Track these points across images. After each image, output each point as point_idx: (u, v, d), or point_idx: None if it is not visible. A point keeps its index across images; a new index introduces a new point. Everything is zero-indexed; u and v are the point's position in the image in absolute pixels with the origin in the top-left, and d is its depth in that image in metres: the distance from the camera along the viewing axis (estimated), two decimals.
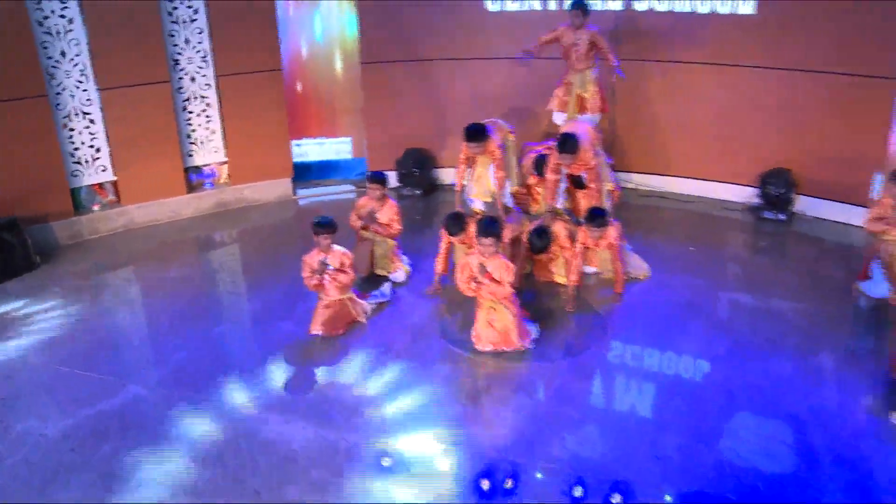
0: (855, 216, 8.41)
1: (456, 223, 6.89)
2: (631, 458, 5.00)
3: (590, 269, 7.44)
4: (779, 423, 5.33)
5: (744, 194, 9.12)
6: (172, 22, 8.64)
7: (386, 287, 7.19)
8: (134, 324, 7.01)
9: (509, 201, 7.92)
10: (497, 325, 6.18)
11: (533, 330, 6.39)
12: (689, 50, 8.93)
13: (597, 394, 5.82)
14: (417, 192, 9.77)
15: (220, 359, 6.21)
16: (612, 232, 7.03)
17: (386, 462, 4.87)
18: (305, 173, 10.12)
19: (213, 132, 9.21)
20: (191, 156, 9.18)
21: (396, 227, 7.38)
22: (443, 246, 7.14)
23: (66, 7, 8.03)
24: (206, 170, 9.35)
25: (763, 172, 8.86)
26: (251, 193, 9.48)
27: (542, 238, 7.01)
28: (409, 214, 9.30)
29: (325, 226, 6.45)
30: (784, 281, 7.51)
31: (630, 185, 9.60)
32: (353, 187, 9.95)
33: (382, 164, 9.70)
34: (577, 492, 4.60)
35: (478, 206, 7.86)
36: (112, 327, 6.86)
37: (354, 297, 6.69)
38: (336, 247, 6.52)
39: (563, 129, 7.52)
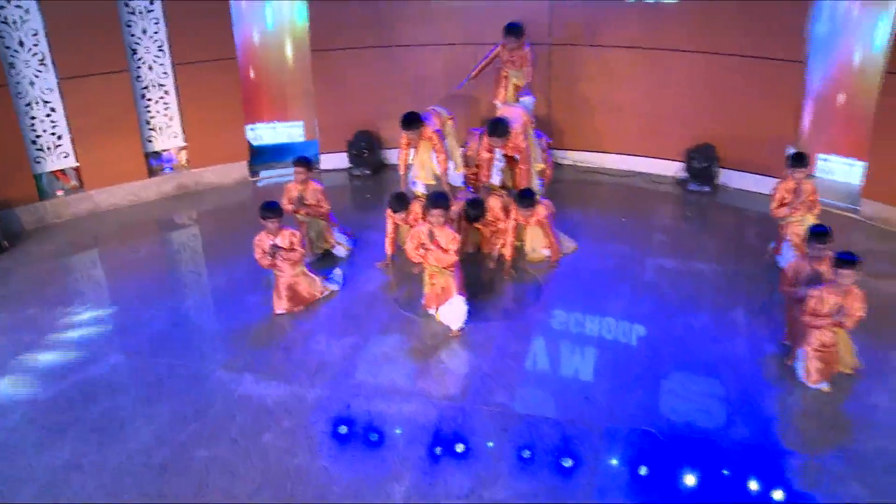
0: (769, 186, 9.15)
1: (399, 202, 7.41)
2: (564, 401, 5.70)
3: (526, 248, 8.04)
4: (695, 369, 6.08)
5: (671, 168, 9.88)
6: (129, 13, 9.02)
7: (338, 274, 7.57)
8: (108, 298, 7.46)
9: (455, 180, 8.28)
10: (438, 282, 6.72)
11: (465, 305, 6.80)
12: (618, 35, 9.61)
13: (533, 350, 6.48)
14: (367, 171, 10.30)
15: (194, 328, 6.77)
16: (542, 210, 7.66)
17: (343, 430, 5.46)
18: (261, 156, 10.58)
19: (172, 118, 9.62)
20: (150, 141, 9.59)
21: (325, 206, 7.82)
22: (389, 225, 7.68)
23: None
24: (166, 155, 9.77)
25: (688, 148, 9.60)
26: (210, 176, 9.92)
27: (475, 208, 7.54)
28: (360, 193, 9.92)
29: (271, 210, 6.83)
30: (705, 246, 8.29)
31: (567, 162, 10.32)
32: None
33: (334, 145, 10.27)
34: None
35: (419, 188, 8.15)
36: (87, 302, 7.31)
37: (307, 271, 7.13)
38: (284, 228, 6.92)
39: (497, 114, 8.15)
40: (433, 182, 8.11)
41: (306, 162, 7.75)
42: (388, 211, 7.54)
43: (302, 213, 7.77)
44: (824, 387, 5.82)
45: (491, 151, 7.94)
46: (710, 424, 5.44)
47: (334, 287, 7.38)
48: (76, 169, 9.18)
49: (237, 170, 10.07)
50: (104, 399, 5.75)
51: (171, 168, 9.81)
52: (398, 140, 7.99)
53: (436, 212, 6.54)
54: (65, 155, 9.05)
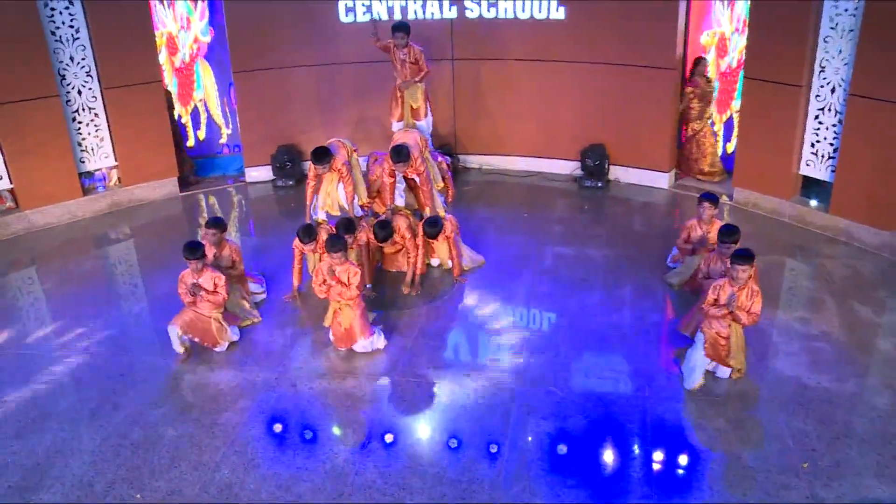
0: (655, 180, 10.52)
1: (307, 233, 7.65)
2: (479, 370, 6.70)
3: (434, 262, 8.53)
4: (587, 337, 7.14)
5: (568, 167, 10.99)
6: (56, 41, 9.57)
7: (232, 332, 7.13)
8: (59, 309, 8.00)
9: (359, 212, 8.49)
10: (343, 322, 6.85)
11: (377, 332, 7.04)
12: (514, 49, 10.70)
13: (448, 330, 7.43)
14: (290, 182, 11.05)
15: (146, 330, 7.45)
16: (448, 227, 8.16)
17: (277, 428, 6.13)
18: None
19: (102, 139, 10.18)
20: (83, 161, 10.13)
21: (240, 266, 7.59)
22: (296, 256, 7.91)
23: None
24: (98, 174, 10.31)
25: (582, 148, 10.73)
26: (141, 193, 10.52)
27: (383, 229, 7.79)
28: (284, 202, 10.67)
29: (192, 251, 6.74)
30: (597, 234, 9.40)
31: (474, 166, 11.37)
32: (231, 182, 11.21)
33: (258, 159, 11.01)
34: None
35: (321, 216, 8.34)
36: (39, 313, 7.89)
37: (221, 319, 6.96)
38: (209, 268, 6.90)
39: (395, 140, 8.48)
40: (337, 212, 8.34)
41: (218, 223, 7.43)
42: (296, 241, 7.77)
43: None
44: (698, 382, 6.31)
45: (393, 176, 8.31)
46: (604, 384, 6.46)
47: (234, 339, 7.16)
48: (10, 190, 9.65)
49: (167, 185, 10.68)
50: (72, 393, 6.41)
51: (104, 186, 10.36)
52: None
53: (335, 255, 6.71)
54: None
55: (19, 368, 6.80)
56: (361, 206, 8.50)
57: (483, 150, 11.34)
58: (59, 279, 8.68)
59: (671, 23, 9.90)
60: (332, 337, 7.04)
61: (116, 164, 10.36)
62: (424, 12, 10.63)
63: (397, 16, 10.59)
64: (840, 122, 8.79)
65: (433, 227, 8.02)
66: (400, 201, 8.55)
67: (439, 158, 9.09)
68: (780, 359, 6.73)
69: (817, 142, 9.12)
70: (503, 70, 10.85)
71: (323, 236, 7.72)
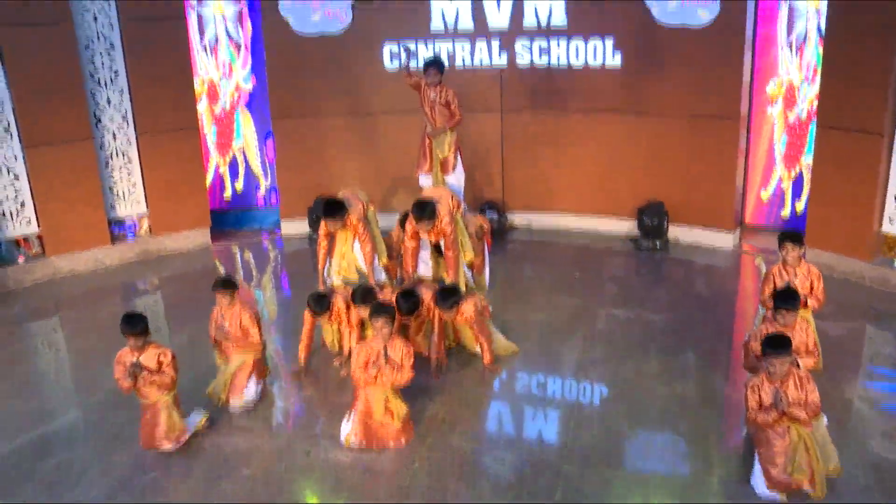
0: (719, 240, 9.67)
1: (320, 303, 6.73)
2: (522, 442, 5.88)
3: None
4: (644, 410, 6.27)
5: (624, 227, 10.21)
6: (95, 83, 9.30)
7: (195, 418, 6.09)
8: (67, 359, 7.52)
9: (381, 275, 7.56)
10: (390, 415, 5.77)
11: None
12: (567, 99, 10.07)
13: (490, 396, 6.67)
14: None
15: None
16: (468, 308, 6.69)
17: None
18: (223, 221, 10.80)
19: (135, 185, 9.82)
20: (113, 208, 9.75)
21: (255, 337, 6.41)
22: (307, 326, 6.91)
23: None
24: (129, 221, 9.92)
25: (639, 206, 9.96)
26: (172, 243, 10.07)
27: (407, 299, 6.68)
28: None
29: (130, 324, 5.68)
30: (656, 297, 8.56)
31: (522, 223, 10.67)
32: (266, 234, 10.73)
33: (295, 212, 10.49)
34: None
35: (337, 281, 7.34)
36: (47, 363, 7.37)
37: (172, 404, 5.83)
38: (153, 344, 5.81)
39: (422, 195, 7.37)
40: (354, 276, 7.35)
41: (227, 284, 6.45)
42: (307, 313, 6.80)
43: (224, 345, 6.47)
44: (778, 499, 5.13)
45: (416, 238, 7.20)
46: (664, 465, 5.59)
47: (193, 428, 6.04)
48: (39, 236, 9.29)
49: (199, 236, 10.23)
50: (60, 452, 5.79)
51: (134, 235, 9.96)
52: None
53: (378, 323, 5.72)
54: (27, 221, 9.16)
55: (10, 421, 6.24)
56: (385, 268, 7.58)
57: (533, 207, 10.63)
58: (77, 328, 8.23)
59: (736, 71, 9.22)
60: (356, 437, 5.77)
61: (147, 211, 9.96)
62: (473, 60, 10.12)
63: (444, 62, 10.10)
64: None
65: (446, 297, 6.62)
66: (424, 270, 7.47)
67: (474, 216, 7.94)
68: (875, 441, 5.75)
69: None
70: (555, 122, 10.21)
71: (339, 304, 6.82)
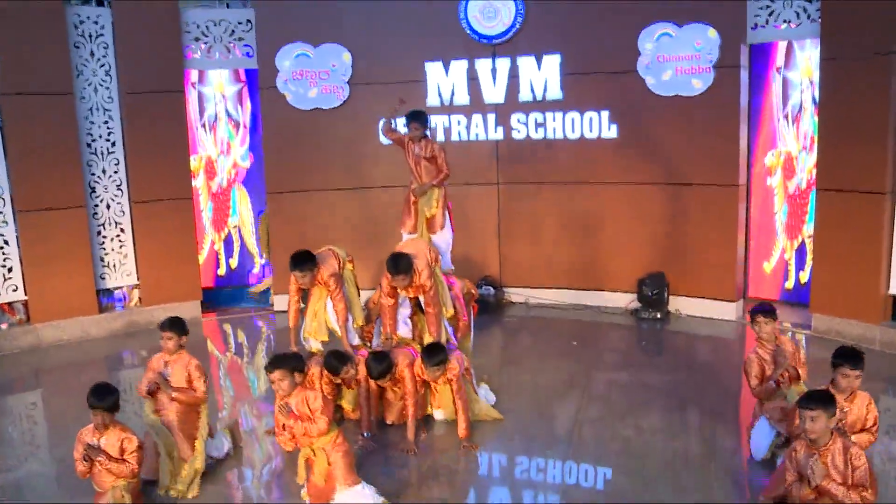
0: (721, 310, 9.38)
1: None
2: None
3: (437, 414, 6.77)
4: (646, 465, 5.85)
5: (624, 300, 9.95)
6: (91, 153, 9.36)
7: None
8: (46, 433, 7.18)
9: (354, 338, 6.88)
10: (318, 470, 5.18)
11: (365, 487, 5.27)
12: (564, 172, 10.01)
13: (485, 449, 6.25)
14: None
15: None
16: (454, 369, 6.26)
17: None
18: (216, 298, 10.62)
19: (126, 256, 9.70)
20: (103, 278, 9.60)
21: (199, 390, 5.75)
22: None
23: None
24: (118, 293, 9.75)
25: (639, 277, 9.73)
26: (161, 314, 9.68)
27: (379, 362, 6.17)
28: None
29: (99, 397, 5.03)
30: (656, 363, 8.23)
31: (520, 299, 10.41)
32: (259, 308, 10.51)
33: (288, 286, 10.25)
34: None
35: (314, 345, 6.87)
36: (24, 437, 7.03)
37: (127, 493, 5.08)
38: (119, 426, 5.13)
39: (397, 249, 6.85)
40: (325, 337, 6.85)
41: (176, 325, 5.84)
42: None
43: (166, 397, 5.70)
44: None
45: (393, 296, 6.67)
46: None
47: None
48: (24, 303, 9.10)
49: (190, 308, 9.97)
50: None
51: (123, 306, 9.76)
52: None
53: (275, 375, 5.06)
54: (13, 288, 8.99)
55: None
56: (359, 331, 6.92)
57: (531, 282, 10.40)
58: (58, 400, 7.82)
59: (732, 139, 9.19)
60: (306, 499, 5.28)
61: (138, 283, 9.80)
62: (469, 134, 10.16)
63: (440, 137, 10.16)
64: None
65: (432, 355, 6.18)
66: (404, 331, 6.88)
67: (452, 283, 7.22)
68: None
69: None
70: (553, 194, 10.13)
71: (314, 371, 6.29)
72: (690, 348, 8.78)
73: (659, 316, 9.54)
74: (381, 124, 7.81)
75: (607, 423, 6.60)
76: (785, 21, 8.83)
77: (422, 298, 6.69)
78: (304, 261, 6.52)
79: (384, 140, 8.94)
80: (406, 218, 7.54)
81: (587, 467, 5.92)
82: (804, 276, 9.41)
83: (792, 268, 9.61)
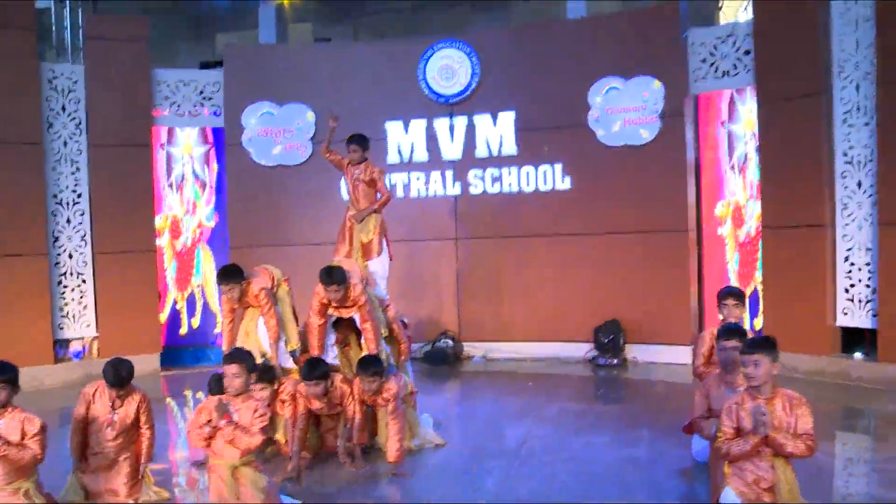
0: (677, 355, 9.43)
1: (220, 384, 5.21)
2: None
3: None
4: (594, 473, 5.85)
5: (582, 350, 10.00)
6: (57, 203, 9.58)
7: None
8: None
9: (287, 360, 6.54)
10: (228, 490, 4.71)
11: None
12: (520, 225, 10.29)
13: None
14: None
15: None
16: (393, 387, 5.94)
17: None
18: (178, 357, 10.60)
19: (86, 307, 9.74)
20: (62, 328, 9.61)
21: (145, 430, 5.28)
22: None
23: None
24: (76, 345, 9.73)
25: (596, 326, 9.84)
26: None
27: (315, 367, 5.84)
28: None
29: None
30: (610, 398, 8.25)
31: (478, 353, 10.44)
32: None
33: None
34: None
35: None
36: None
37: (35, 491, 4.71)
38: (18, 408, 4.71)
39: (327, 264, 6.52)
40: (258, 359, 6.17)
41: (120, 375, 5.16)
42: (209, 398, 5.32)
43: None
44: None
45: (323, 315, 6.38)
46: None
47: None
48: None
49: (149, 361, 9.93)
50: None
51: (80, 357, 9.72)
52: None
53: (231, 369, 4.77)
54: None
55: None
56: (292, 354, 6.50)
57: (489, 336, 10.46)
58: None
59: (680, 187, 9.58)
60: None
61: (97, 335, 9.80)
62: (428, 189, 10.50)
63: (400, 194, 10.44)
64: (873, 259, 7.99)
65: (367, 366, 5.85)
66: (331, 357, 6.49)
67: (396, 312, 7.06)
68: None
69: (852, 286, 8.20)
70: (509, 247, 10.37)
71: (213, 400, 5.37)
72: (645, 390, 8.77)
73: (616, 362, 9.59)
74: (321, 145, 7.74)
75: (556, 439, 6.58)
76: (724, 72, 9.37)
77: (356, 316, 6.41)
78: (231, 274, 6.29)
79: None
80: (340, 245, 7.27)
81: (534, 471, 5.87)
82: (758, 323, 9.52)
83: (746, 315, 9.73)
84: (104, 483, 5.20)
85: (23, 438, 4.58)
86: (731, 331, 5.05)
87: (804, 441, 4.11)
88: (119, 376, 5.04)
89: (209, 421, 4.64)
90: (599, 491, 5.31)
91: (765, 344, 4.26)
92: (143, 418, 5.24)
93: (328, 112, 7.67)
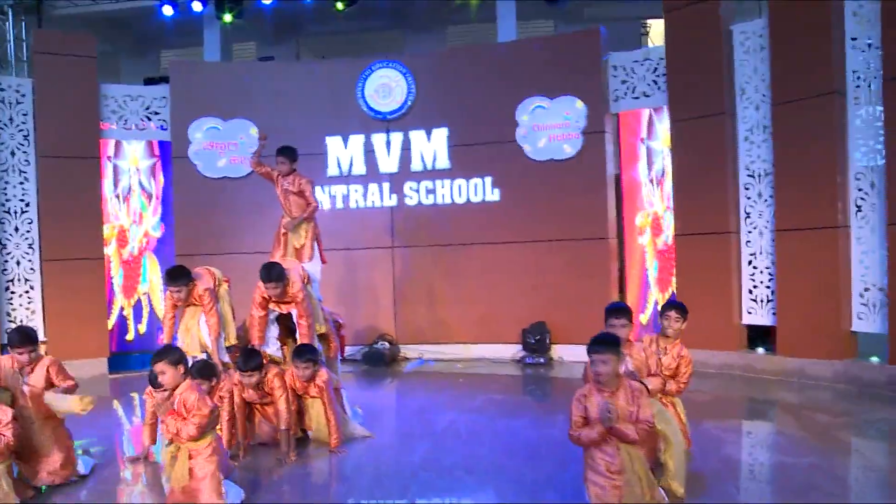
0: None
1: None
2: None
3: (311, 434, 6.66)
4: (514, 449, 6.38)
5: (511, 351, 10.62)
6: (5, 212, 9.90)
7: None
8: None
9: (225, 355, 6.83)
10: (178, 474, 4.99)
11: (232, 492, 5.19)
12: (453, 234, 10.91)
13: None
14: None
15: None
16: (323, 375, 6.36)
17: None
18: (125, 363, 10.88)
19: (34, 312, 10.05)
20: (8, 333, 9.84)
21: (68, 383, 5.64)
22: (149, 409, 6.12)
23: None
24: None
25: (523, 328, 10.47)
26: (69, 371, 10.04)
27: (252, 357, 6.20)
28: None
29: None
30: (536, 392, 8.83)
31: (413, 355, 10.99)
32: None
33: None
34: None
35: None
36: None
37: (5, 473, 5.09)
38: None
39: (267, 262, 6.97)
40: (199, 354, 6.71)
41: (27, 337, 5.59)
42: (148, 390, 5.87)
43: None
44: None
45: (263, 308, 6.79)
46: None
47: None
48: None
49: (97, 366, 10.26)
50: None
51: None
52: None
53: (158, 367, 5.02)
54: None
55: None
56: (229, 349, 6.85)
57: (425, 339, 11.03)
58: None
59: (601, 197, 10.31)
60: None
61: (45, 340, 10.06)
62: (366, 201, 11.05)
63: (339, 205, 11.00)
64: (773, 263, 8.82)
65: (302, 352, 6.32)
66: (273, 349, 6.89)
67: (323, 308, 7.35)
68: None
69: (755, 287, 8.98)
70: (443, 255, 10.97)
71: (158, 395, 5.67)
72: (568, 384, 9.36)
73: (543, 361, 10.21)
74: (250, 159, 8.10)
75: (480, 423, 7.16)
76: (642, 93, 10.14)
77: (294, 312, 6.81)
78: (179, 276, 6.62)
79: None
80: (275, 250, 7.76)
81: (457, 447, 6.44)
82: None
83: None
84: None
85: None
86: (618, 309, 5.38)
87: (642, 427, 4.42)
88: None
89: (154, 414, 5.08)
90: (513, 461, 5.91)
91: (612, 343, 4.52)
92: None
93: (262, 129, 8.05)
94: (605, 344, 4.46)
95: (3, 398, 5.33)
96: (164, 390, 5.18)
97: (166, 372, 4.99)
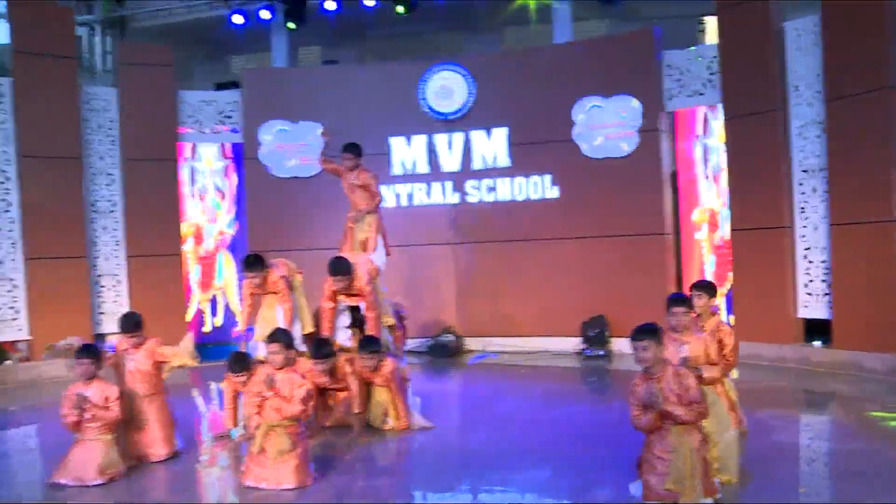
0: None
1: (238, 362, 6.35)
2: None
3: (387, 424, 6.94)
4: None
5: (571, 344, 10.92)
6: (94, 212, 10.66)
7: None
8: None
9: (300, 345, 6.98)
10: (271, 452, 5.41)
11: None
12: (513, 230, 11.28)
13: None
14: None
15: None
16: (389, 365, 6.75)
17: None
18: (202, 352, 11.41)
19: (121, 305, 10.70)
20: (100, 324, 10.64)
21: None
22: (228, 393, 6.59)
23: None
24: (109, 339, 10.69)
25: (583, 321, 10.78)
26: None
27: (322, 346, 6.59)
28: None
29: (88, 350, 5.75)
30: (596, 387, 9.21)
31: (477, 348, 11.37)
32: None
33: None
34: None
35: (262, 352, 6.51)
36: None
37: (113, 442, 5.69)
38: (101, 378, 5.72)
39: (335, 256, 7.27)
40: None
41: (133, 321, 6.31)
42: (227, 374, 6.46)
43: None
44: None
45: (333, 300, 7.16)
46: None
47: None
48: (29, 342, 10.03)
49: None
50: None
51: (114, 350, 10.63)
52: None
53: (272, 347, 5.52)
54: (19, 329, 10.02)
55: None
56: (305, 339, 7.12)
57: (487, 332, 11.42)
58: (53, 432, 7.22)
59: (657, 192, 10.58)
60: (246, 470, 5.49)
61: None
62: (429, 198, 11.51)
63: (403, 203, 11.47)
64: (828, 257, 8.99)
65: (367, 345, 6.69)
66: (343, 338, 7.22)
67: (393, 303, 7.80)
68: None
69: (810, 281, 9.15)
70: (503, 251, 11.35)
71: (261, 373, 5.82)
72: (626, 375, 9.62)
73: (602, 353, 10.51)
74: (318, 158, 8.44)
75: (538, 410, 7.57)
76: (695, 91, 10.35)
77: (362, 305, 7.17)
78: (255, 263, 6.97)
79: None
80: (342, 243, 8.03)
81: (515, 431, 6.82)
82: (733, 319, 10.43)
83: (723, 311, 10.65)
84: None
85: (105, 402, 5.59)
86: (678, 298, 5.64)
87: (694, 409, 4.59)
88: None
89: (259, 392, 5.48)
90: (570, 444, 6.28)
91: (650, 331, 4.65)
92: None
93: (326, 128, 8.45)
94: (643, 331, 4.64)
95: (111, 377, 6.00)
96: (241, 375, 6.02)
97: (280, 354, 5.48)
